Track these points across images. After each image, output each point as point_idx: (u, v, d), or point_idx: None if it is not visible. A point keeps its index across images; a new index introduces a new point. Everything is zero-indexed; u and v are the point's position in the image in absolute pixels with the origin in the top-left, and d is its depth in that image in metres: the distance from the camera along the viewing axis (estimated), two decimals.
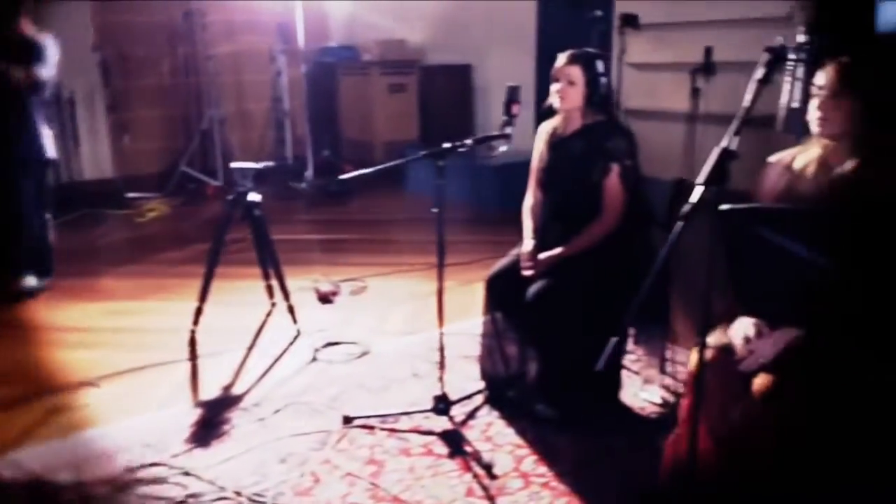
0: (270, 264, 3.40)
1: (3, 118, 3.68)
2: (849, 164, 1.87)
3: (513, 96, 2.45)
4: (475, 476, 2.26)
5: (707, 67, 4.66)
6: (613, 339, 1.61)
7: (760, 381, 1.84)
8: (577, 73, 2.55)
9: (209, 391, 2.84)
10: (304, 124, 6.62)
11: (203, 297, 3.29)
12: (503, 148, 2.49)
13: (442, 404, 2.54)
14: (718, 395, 1.92)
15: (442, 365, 2.54)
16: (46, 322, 3.58)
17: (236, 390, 2.84)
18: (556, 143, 2.70)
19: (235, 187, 3.29)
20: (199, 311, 3.31)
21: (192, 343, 3.26)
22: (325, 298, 3.78)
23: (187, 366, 3.07)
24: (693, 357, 1.92)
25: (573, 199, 2.64)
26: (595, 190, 2.57)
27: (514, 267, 2.64)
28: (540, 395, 2.56)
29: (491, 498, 2.16)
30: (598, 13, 5.83)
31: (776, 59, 1.63)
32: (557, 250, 2.56)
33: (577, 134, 2.64)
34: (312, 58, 7.04)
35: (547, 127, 2.76)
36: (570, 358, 2.44)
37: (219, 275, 3.32)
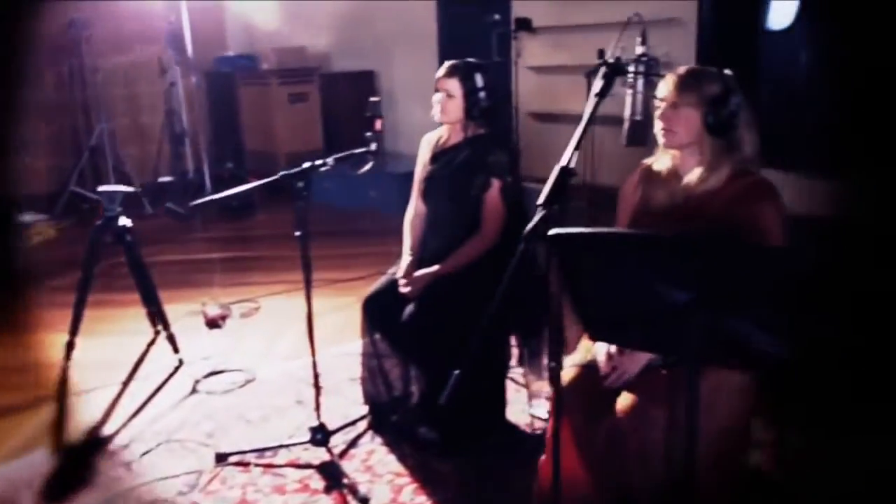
0: (143, 290, 3.21)
1: None
2: (696, 173, 1.87)
3: (375, 111, 2.36)
4: None
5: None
6: (455, 373, 1.52)
7: (623, 401, 1.81)
8: (454, 85, 2.49)
9: (74, 434, 2.65)
10: (203, 137, 6.38)
11: (74, 330, 3.08)
12: (367, 166, 2.40)
13: (319, 434, 2.42)
14: (584, 415, 1.89)
15: (318, 393, 2.43)
16: None
17: (105, 431, 2.66)
18: (439, 154, 2.64)
19: (104, 213, 3.10)
20: (70, 346, 3.10)
21: (62, 381, 3.05)
22: (213, 323, 3.61)
23: (53, 407, 2.86)
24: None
25: (453, 213, 2.58)
26: (475, 204, 2.51)
27: (392, 286, 2.55)
28: (423, 418, 2.48)
29: None
30: (496, 17, 5.84)
31: (613, 72, 1.60)
32: (435, 268, 2.49)
33: (458, 146, 2.58)
34: (208, 67, 6.80)
35: (432, 136, 2.70)
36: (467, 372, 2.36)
37: (99, 303, 3.15)
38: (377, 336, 2.59)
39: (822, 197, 4.65)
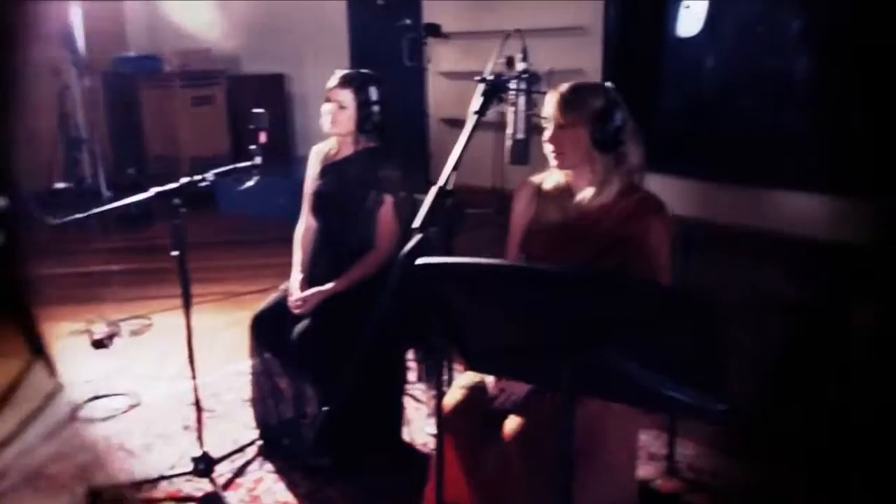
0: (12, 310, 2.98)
1: None
2: (588, 191, 1.84)
3: (259, 123, 2.25)
4: None
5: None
6: (324, 409, 1.43)
7: (510, 424, 1.76)
8: (347, 97, 2.39)
9: None
10: (101, 142, 6.05)
11: None
12: (251, 182, 2.27)
13: (202, 464, 2.28)
14: (472, 438, 1.83)
15: (199, 419, 2.29)
16: None
17: None
18: (329, 168, 2.54)
19: None
20: None
21: None
22: (99, 343, 3.39)
23: None
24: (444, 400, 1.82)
25: (344, 228, 2.48)
26: (367, 220, 2.42)
27: (282, 303, 2.44)
28: (315, 441, 2.37)
29: None
30: (407, 21, 5.77)
31: (492, 91, 1.54)
32: (328, 286, 2.39)
33: (349, 160, 2.48)
34: (106, 68, 6.46)
35: (321, 148, 2.59)
36: (344, 400, 2.27)
37: None
38: (267, 356, 2.47)
39: (728, 205, 4.80)
